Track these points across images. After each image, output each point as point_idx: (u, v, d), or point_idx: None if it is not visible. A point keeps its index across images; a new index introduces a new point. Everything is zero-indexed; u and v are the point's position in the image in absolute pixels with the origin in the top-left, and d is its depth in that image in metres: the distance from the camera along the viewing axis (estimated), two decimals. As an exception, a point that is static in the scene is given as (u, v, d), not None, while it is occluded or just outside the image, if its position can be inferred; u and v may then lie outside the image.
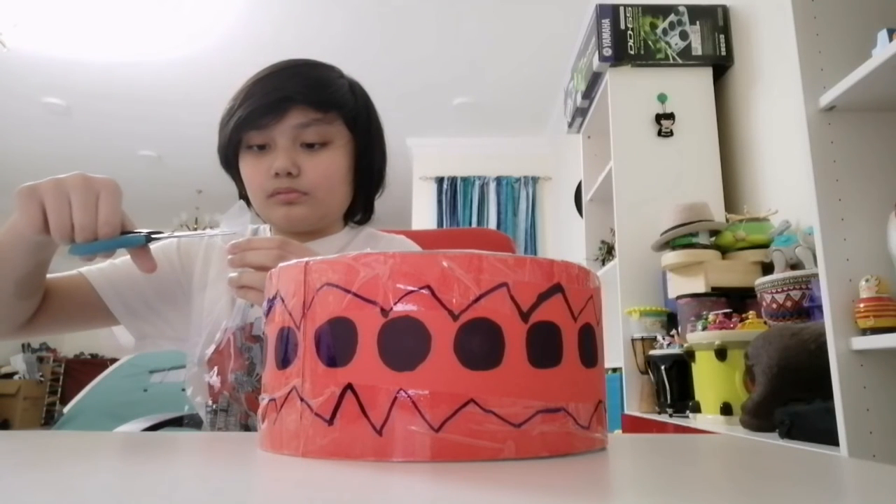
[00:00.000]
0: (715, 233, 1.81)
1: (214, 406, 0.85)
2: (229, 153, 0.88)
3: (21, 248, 0.72)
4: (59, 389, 6.87)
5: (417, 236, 1.14)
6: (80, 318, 0.88)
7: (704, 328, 1.46)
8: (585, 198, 2.66)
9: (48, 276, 0.83)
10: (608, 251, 2.51)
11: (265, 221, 0.95)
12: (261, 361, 0.83)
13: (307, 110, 0.84)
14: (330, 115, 0.86)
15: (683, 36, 2.16)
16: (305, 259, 0.39)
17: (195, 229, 6.63)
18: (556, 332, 0.37)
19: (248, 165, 0.87)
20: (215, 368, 0.87)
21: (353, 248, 0.94)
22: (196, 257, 0.94)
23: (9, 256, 0.73)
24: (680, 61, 2.15)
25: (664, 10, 2.18)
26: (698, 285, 1.71)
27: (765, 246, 1.70)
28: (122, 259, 0.90)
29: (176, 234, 0.77)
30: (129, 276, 0.89)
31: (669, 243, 1.85)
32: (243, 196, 0.93)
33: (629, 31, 2.17)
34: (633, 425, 1.88)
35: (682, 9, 2.17)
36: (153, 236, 0.71)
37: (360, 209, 0.98)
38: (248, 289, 0.69)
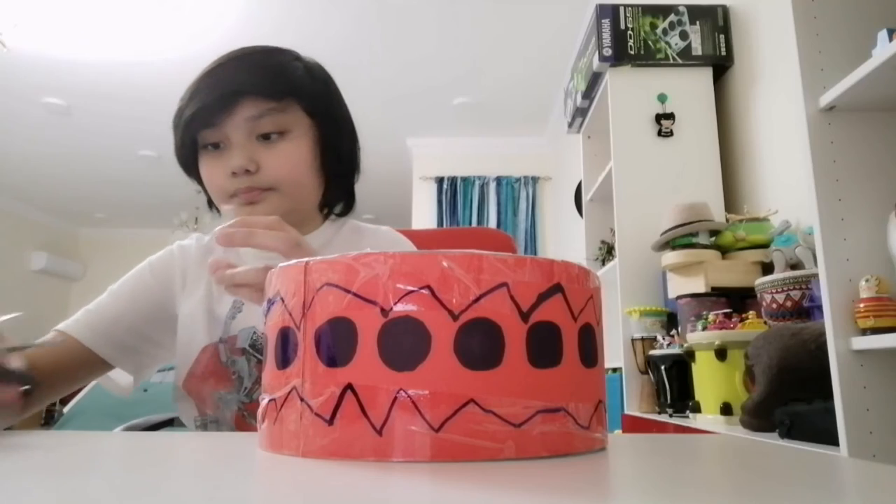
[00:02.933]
0: (715, 233, 1.81)
1: (203, 419, 0.83)
2: (186, 155, 0.82)
3: None
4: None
5: (418, 236, 1.14)
6: (77, 376, 0.83)
7: (704, 328, 1.46)
8: (585, 198, 2.66)
9: (32, 348, 0.75)
10: (608, 251, 2.51)
11: None
12: (248, 374, 0.80)
13: (259, 101, 0.78)
14: (284, 102, 0.79)
15: (683, 36, 2.16)
16: (305, 259, 0.39)
17: (195, 229, 6.63)
18: (556, 332, 0.37)
19: (206, 167, 0.81)
20: (190, 399, 0.83)
21: (335, 245, 0.89)
22: (173, 270, 0.89)
23: None
24: (680, 61, 2.15)
25: (664, 10, 2.18)
26: (698, 285, 1.71)
27: (765, 246, 1.70)
28: (98, 301, 0.86)
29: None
30: (112, 315, 0.84)
31: (669, 243, 1.85)
32: (210, 201, 0.87)
33: (629, 31, 2.17)
34: (633, 425, 1.88)
35: (682, 9, 2.17)
36: None
37: (336, 199, 0.92)
38: (245, 287, 0.62)
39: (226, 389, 0.81)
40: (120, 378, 0.88)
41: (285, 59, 0.84)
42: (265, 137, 0.79)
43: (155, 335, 0.86)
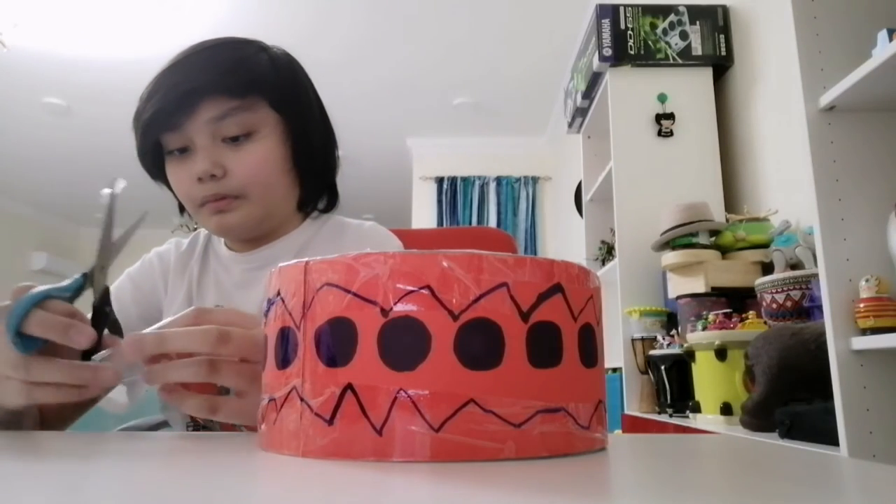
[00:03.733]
0: (715, 233, 1.81)
1: (195, 425, 0.81)
2: (149, 161, 0.77)
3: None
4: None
5: (418, 236, 1.14)
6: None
7: (704, 328, 1.46)
8: (585, 198, 2.66)
9: None
10: (608, 251, 2.51)
11: None
12: None
13: (220, 100, 0.72)
14: (249, 99, 0.74)
15: (683, 36, 2.16)
16: (305, 259, 0.39)
17: (195, 230, 6.63)
18: (556, 332, 0.37)
19: (172, 173, 0.76)
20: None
21: (316, 244, 0.86)
22: (154, 280, 0.87)
23: None
24: (680, 61, 2.15)
25: (664, 10, 2.18)
26: (698, 285, 1.71)
27: (765, 246, 1.70)
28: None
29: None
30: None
31: (669, 243, 1.85)
32: (181, 206, 0.83)
33: (629, 31, 2.17)
34: (633, 425, 1.88)
35: (682, 9, 2.17)
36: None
37: (315, 197, 0.87)
38: (180, 393, 0.49)
39: (211, 393, 0.80)
40: (118, 396, 0.87)
41: (248, 51, 0.78)
42: (232, 140, 0.74)
43: None
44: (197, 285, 0.86)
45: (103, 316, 0.55)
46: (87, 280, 0.55)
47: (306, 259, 0.39)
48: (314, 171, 0.84)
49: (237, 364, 0.48)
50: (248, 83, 0.74)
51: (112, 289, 0.83)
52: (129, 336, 0.48)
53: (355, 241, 0.88)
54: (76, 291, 0.55)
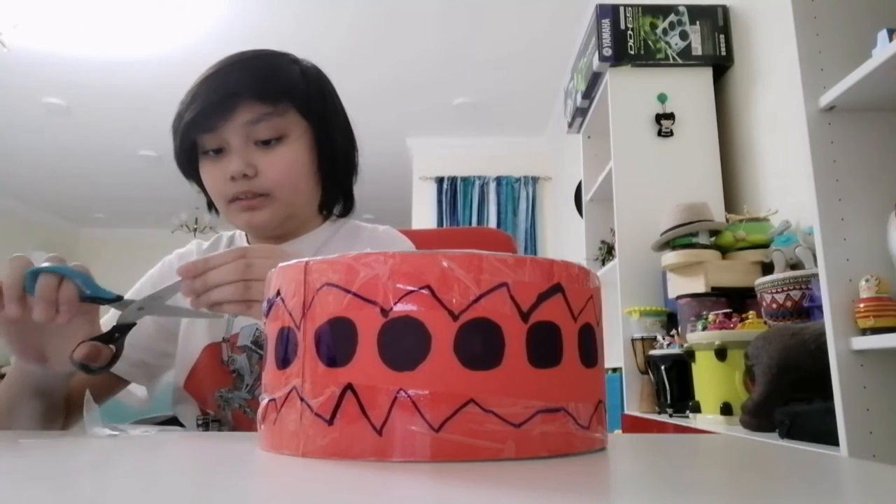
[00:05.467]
0: (715, 233, 1.81)
1: (205, 418, 0.83)
2: (185, 160, 0.84)
3: (29, 388, 0.70)
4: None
5: (419, 236, 1.14)
6: (101, 395, 0.85)
7: (704, 328, 1.46)
8: (585, 198, 2.66)
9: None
10: (608, 251, 2.51)
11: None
12: (249, 371, 0.81)
13: (255, 105, 0.78)
14: (281, 106, 0.80)
15: (683, 36, 2.16)
16: (305, 259, 0.39)
17: (195, 230, 6.63)
18: (556, 332, 0.37)
19: (206, 171, 0.82)
20: (192, 400, 0.84)
21: (334, 244, 0.90)
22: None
23: (21, 404, 0.71)
24: (680, 61, 2.15)
25: (664, 10, 2.18)
26: (698, 285, 1.71)
27: (765, 246, 1.70)
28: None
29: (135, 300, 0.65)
30: (135, 335, 0.85)
31: (669, 243, 1.85)
32: (210, 203, 0.89)
33: (629, 31, 2.17)
34: (633, 425, 1.88)
35: (682, 9, 2.17)
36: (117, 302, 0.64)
37: (335, 201, 0.93)
38: (225, 303, 0.61)
39: (227, 388, 0.82)
40: (138, 391, 0.91)
41: (282, 62, 0.85)
42: (264, 143, 0.80)
43: (168, 348, 0.88)
44: None
45: (114, 339, 0.63)
46: (119, 301, 0.63)
47: (306, 259, 0.39)
48: (335, 176, 0.90)
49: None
50: (280, 91, 0.80)
51: (132, 291, 0.87)
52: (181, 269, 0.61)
53: (370, 243, 0.91)
54: (101, 298, 0.62)
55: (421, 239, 1.11)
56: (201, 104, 0.78)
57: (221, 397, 0.82)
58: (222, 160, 0.80)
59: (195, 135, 0.80)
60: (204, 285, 0.60)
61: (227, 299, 0.60)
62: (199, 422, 0.84)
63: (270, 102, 0.79)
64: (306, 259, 0.39)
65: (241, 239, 0.95)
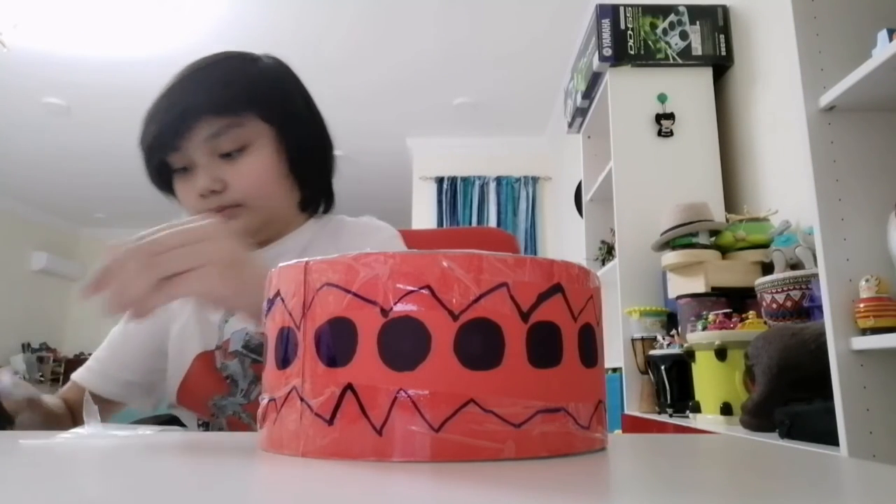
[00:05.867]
0: (715, 233, 1.81)
1: (204, 422, 0.83)
2: (157, 179, 0.82)
3: None
4: (59, 389, 6.86)
5: (420, 236, 1.14)
6: (106, 413, 0.86)
7: (704, 328, 1.46)
8: (585, 198, 2.66)
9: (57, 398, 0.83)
10: (608, 251, 2.51)
11: None
12: (243, 375, 0.80)
13: (213, 119, 0.75)
14: (241, 115, 0.77)
15: (683, 36, 2.16)
16: (305, 259, 0.39)
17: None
18: (556, 332, 0.37)
19: (178, 189, 0.81)
20: (187, 410, 0.84)
21: (318, 242, 0.89)
22: None
23: None
24: (680, 61, 2.15)
25: (664, 10, 2.18)
26: (698, 285, 1.71)
27: (765, 246, 1.70)
28: (106, 346, 0.89)
29: None
30: (119, 361, 0.87)
31: (669, 243, 1.85)
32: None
33: (629, 31, 2.17)
34: (633, 425, 1.88)
35: (682, 9, 2.17)
36: None
37: (315, 199, 0.91)
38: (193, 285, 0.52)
39: (221, 395, 0.81)
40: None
41: (237, 66, 0.81)
42: (228, 155, 0.78)
43: (156, 364, 0.87)
44: None
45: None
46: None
47: (306, 259, 0.39)
48: (310, 175, 0.87)
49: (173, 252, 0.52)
50: (237, 100, 0.77)
51: None
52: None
53: (353, 235, 0.90)
54: None
55: (423, 239, 1.11)
56: (159, 125, 0.76)
57: (215, 405, 0.81)
58: (191, 177, 0.78)
59: (159, 156, 0.78)
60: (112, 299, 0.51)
61: (131, 303, 0.51)
62: (200, 422, 0.84)
63: (229, 113, 0.76)
64: (306, 259, 0.39)
65: None
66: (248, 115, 0.78)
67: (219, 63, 0.80)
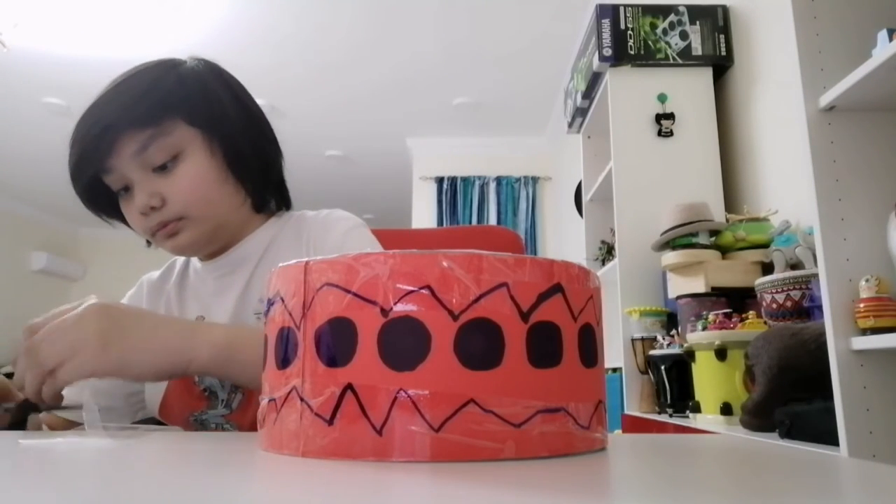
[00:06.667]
0: (715, 233, 1.81)
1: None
2: (92, 205, 0.80)
3: None
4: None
5: (423, 235, 1.13)
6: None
7: (704, 328, 1.46)
8: (585, 198, 2.66)
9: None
10: (608, 251, 2.51)
11: None
12: (221, 386, 0.78)
13: (136, 132, 0.72)
14: (164, 124, 0.74)
15: (683, 36, 2.16)
16: (305, 259, 0.39)
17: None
18: (556, 332, 0.37)
19: (125, 212, 0.78)
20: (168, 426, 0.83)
21: (280, 240, 0.86)
22: (140, 306, 0.88)
23: None
24: (680, 61, 2.15)
25: (664, 10, 2.18)
26: (698, 285, 1.71)
27: (765, 246, 1.70)
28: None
29: None
30: (108, 386, 0.83)
31: (669, 243, 1.85)
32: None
33: (629, 31, 2.17)
34: (633, 425, 1.88)
35: (682, 9, 2.17)
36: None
37: (265, 198, 0.86)
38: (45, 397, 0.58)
39: (200, 409, 0.79)
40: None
41: (156, 75, 0.77)
42: (161, 168, 0.75)
43: (132, 388, 0.85)
44: (177, 303, 0.88)
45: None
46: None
47: (306, 259, 0.39)
48: (253, 175, 0.83)
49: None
50: (156, 108, 0.74)
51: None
52: None
53: (315, 227, 0.87)
54: None
55: (426, 238, 1.10)
56: (81, 147, 0.74)
57: (196, 420, 0.79)
58: (131, 196, 0.76)
59: (88, 180, 0.76)
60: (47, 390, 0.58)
61: (32, 396, 0.58)
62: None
63: (150, 124, 0.73)
64: (306, 259, 0.39)
65: (194, 260, 0.91)
66: (171, 122, 0.75)
67: (136, 74, 0.77)
